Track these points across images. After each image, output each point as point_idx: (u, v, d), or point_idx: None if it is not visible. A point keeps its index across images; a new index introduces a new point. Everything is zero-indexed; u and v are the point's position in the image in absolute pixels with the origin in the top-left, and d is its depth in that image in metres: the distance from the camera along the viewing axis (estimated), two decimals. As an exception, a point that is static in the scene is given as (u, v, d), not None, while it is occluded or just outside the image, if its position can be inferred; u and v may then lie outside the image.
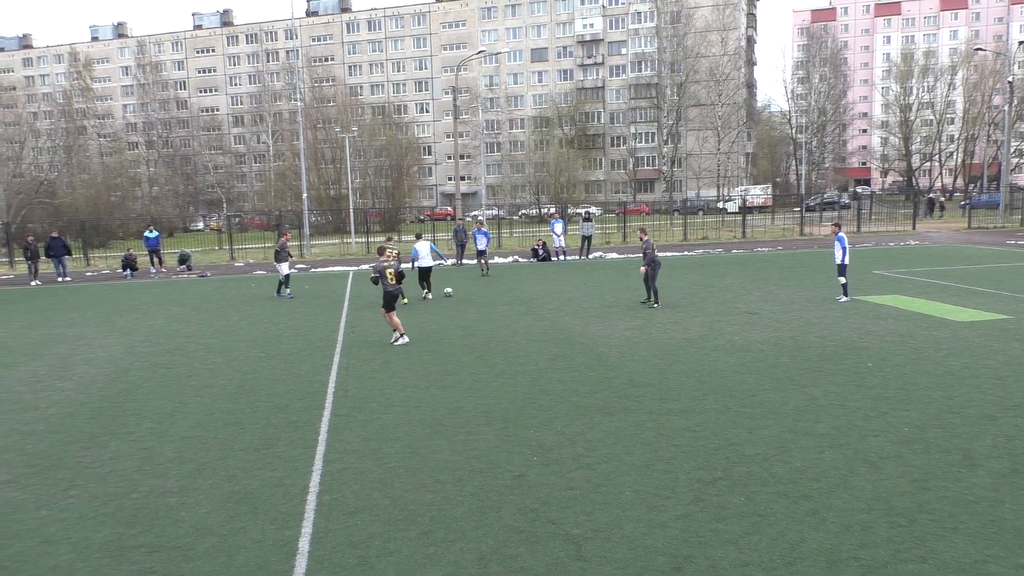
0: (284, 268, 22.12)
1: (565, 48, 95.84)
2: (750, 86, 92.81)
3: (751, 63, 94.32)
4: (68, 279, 30.26)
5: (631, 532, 6.12)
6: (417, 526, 6.34)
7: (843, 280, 17.48)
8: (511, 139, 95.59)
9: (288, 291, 22.08)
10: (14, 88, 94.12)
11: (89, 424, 9.67)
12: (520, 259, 32.48)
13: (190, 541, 6.24)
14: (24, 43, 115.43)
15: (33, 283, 29.44)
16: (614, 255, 33.13)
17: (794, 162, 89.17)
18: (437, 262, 23.88)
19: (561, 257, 31.64)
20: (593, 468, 7.51)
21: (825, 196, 68.64)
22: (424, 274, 20.60)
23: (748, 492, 6.82)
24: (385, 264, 14.37)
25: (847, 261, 17.39)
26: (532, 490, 7.02)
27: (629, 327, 15.08)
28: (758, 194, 69.27)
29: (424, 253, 20.48)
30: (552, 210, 50.46)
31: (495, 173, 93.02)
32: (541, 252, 31.51)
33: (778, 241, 37.73)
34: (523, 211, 66.22)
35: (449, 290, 20.96)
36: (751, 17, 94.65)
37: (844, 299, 17.41)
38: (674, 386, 10.46)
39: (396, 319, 14.38)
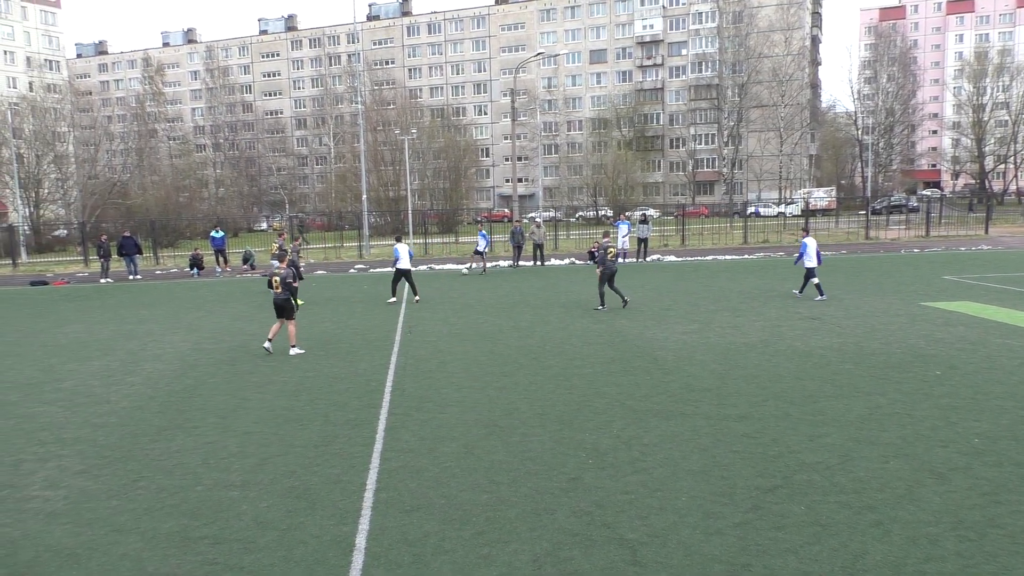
0: None
1: (624, 49, 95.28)
2: (814, 86, 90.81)
3: (816, 63, 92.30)
4: (139, 277, 31.31)
5: (687, 538, 6.05)
6: (472, 526, 6.37)
7: (815, 280, 18.60)
8: (569, 141, 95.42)
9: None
10: (90, 93, 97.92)
11: (157, 418, 9.98)
12: (577, 261, 32.38)
13: (251, 534, 6.39)
14: (100, 49, 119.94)
15: (103, 280, 30.55)
16: (672, 258, 32.78)
17: (860, 164, 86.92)
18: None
19: (620, 259, 31.43)
20: (649, 472, 7.44)
21: (892, 199, 66.72)
22: (400, 275, 20.53)
23: (809, 501, 6.66)
24: (275, 270, 14.02)
25: (813, 264, 18.63)
26: (587, 493, 6.99)
27: (687, 331, 14.90)
28: (822, 196, 67.70)
29: (403, 255, 20.59)
30: (611, 212, 50.16)
31: (552, 175, 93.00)
32: (598, 254, 31.28)
33: (842, 245, 36.82)
34: (580, 213, 66.02)
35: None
36: (816, 16, 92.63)
37: (821, 297, 18.38)
38: (733, 391, 10.29)
39: (277, 327, 13.98)
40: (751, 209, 58.56)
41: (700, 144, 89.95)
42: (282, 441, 8.82)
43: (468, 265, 28.58)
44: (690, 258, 32.28)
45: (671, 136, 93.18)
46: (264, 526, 6.52)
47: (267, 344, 13.84)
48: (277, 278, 13.76)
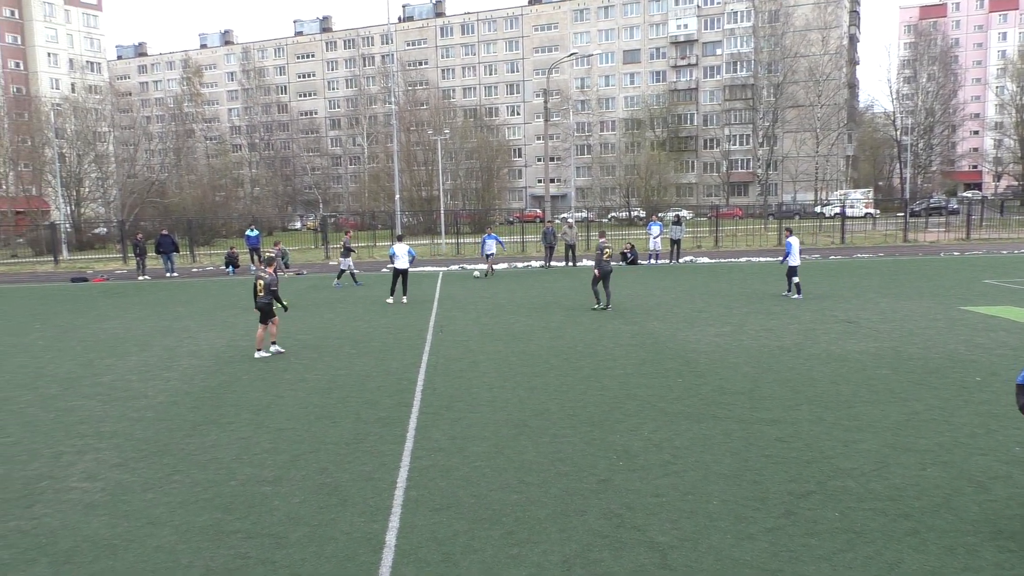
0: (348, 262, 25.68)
1: (658, 49, 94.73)
2: (852, 86, 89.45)
3: (853, 62, 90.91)
4: (175, 275, 31.83)
5: (718, 543, 5.99)
6: (501, 526, 6.37)
7: (796, 279, 19.44)
8: (602, 141, 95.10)
9: (338, 282, 25.47)
10: (130, 93, 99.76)
11: (192, 413, 10.13)
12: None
13: (283, 529, 6.46)
14: (140, 51, 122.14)
15: (141, 278, 31.07)
16: (705, 259, 32.52)
17: (898, 165, 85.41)
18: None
19: (652, 260, 31.30)
20: (680, 476, 7.39)
21: (932, 201, 65.49)
22: (398, 275, 20.72)
23: (843, 508, 6.56)
24: (260, 275, 13.98)
25: (796, 263, 19.52)
26: (617, 495, 6.96)
27: (719, 333, 14.77)
28: (858, 198, 66.66)
29: (401, 255, 20.70)
30: (643, 213, 49.89)
31: (585, 175, 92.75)
32: (630, 255, 31.22)
33: (879, 247, 36.24)
34: (612, 214, 65.78)
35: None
36: (854, 15, 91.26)
37: (798, 296, 19.22)
38: (766, 395, 10.18)
39: (261, 333, 13.92)
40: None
41: (734, 145, 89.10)
42: (314, 438, 8.90)
43: (483, 270, 28.25)
44: (723, 260, 32.00)
45: (705, 137, 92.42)
46: (296, 522, 6.59)
47: (259, 353, 13.72)
48: (262, 282, 13.78)
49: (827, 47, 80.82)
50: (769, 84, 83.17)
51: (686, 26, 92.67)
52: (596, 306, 18.28)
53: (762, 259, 31.90)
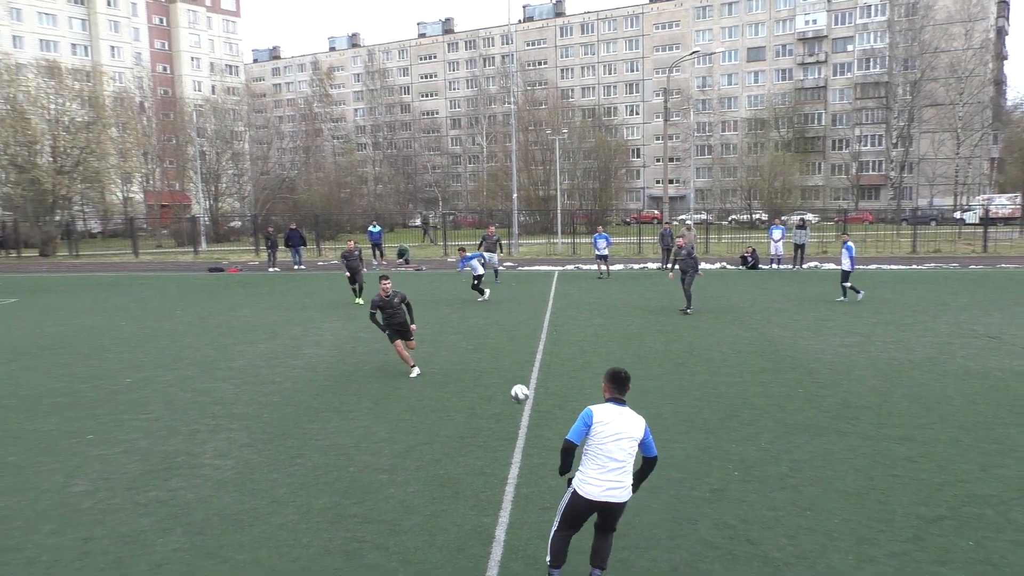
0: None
1: (784, 46, 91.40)
2: (999, 83, 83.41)
3: (1001, 57, 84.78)
4: (303, 267, 33.32)
5: (838, 563, 5.73)
6: (611, 529, 6.32)
7: (847, 284, 19.61)
8: (723, 142, 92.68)
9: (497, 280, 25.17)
10: (264, 95, 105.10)
11: (315, 400, 10.57)
12: (728, 265, 31.43)
13: (397, 517, 6.65)
14: (274, 55, 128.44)
15: (271, 270, 32.73)
16: (831, 266, 31.13)
17: (1050, 169, 79.07)
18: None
19: (774, 265, 30.30)
20: (798, 490, 7.11)
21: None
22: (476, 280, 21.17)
23: (978, 536, 6.14)
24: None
25: (852, 268, 19.73)
26: (731, 506, 6.77)
27: (845, 343, 14.12)
28: (1004, 204, 62.13)
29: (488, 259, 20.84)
30: (765, 216, 48.33)
31: (705, 176, 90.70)
32: (750, 259, 30.33)
33: (1026, 257, 33.67)
34: (733, 216, 64.03)
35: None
36: (1002, 6, 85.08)
37: (842, 299, 19.64)
38: (895, 411, 9.65)
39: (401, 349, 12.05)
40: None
41: (865, 146, 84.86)
42: (429, 430, 9.12)
43: (601, 270, 27.76)
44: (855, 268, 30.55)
45: (833, 137, 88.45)
46: (409, 510, 6.77)
47: (414, 371, 12.00)
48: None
49: (971, 41, 75.69)
50: (905, 81, 78.77)
51: (815, 21, 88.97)
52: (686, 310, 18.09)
53: (893, 267, 30.27)
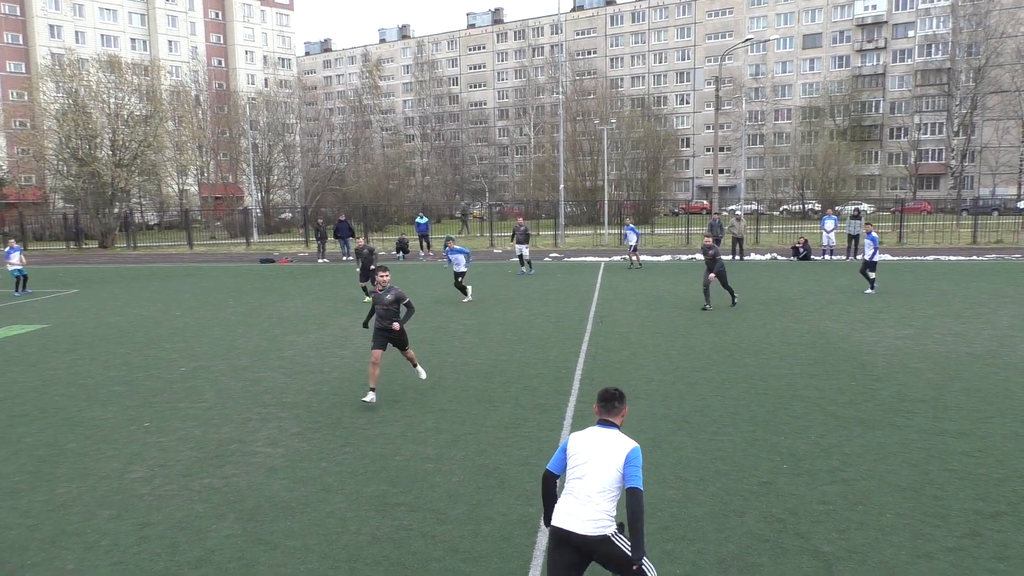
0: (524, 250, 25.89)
1: (842, 33, 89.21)
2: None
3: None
4: (351, 258, 33.73)
5: (891, 558, 5.61)
6: (657, 520, 6.28)
7: (872, 275, 19.35)
8: (775, 131, 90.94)
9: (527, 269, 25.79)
10: (315, 87, 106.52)
11: (362, 390, 10.68)
12: (779, 256, 30.90)
13: (443, 506, 6.70)
14: (325, 47, 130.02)
15: (320, 260, 33.23)
16: (887, 257, 30.38)
17: (1123, 156, 75.82)
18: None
19: (826, 256, 29.69)
20: (850, 484, 6.97)
21: None
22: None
23: (1039, 533, 5.95)
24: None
25: (875, 259, 19.46)
26: (780, 499, 6.67)
27: (900, 335, 13.76)
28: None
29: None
30: (819, 206, 47.35)
31: (756, 166, 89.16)
32: (802, 250, 29.76)
33: (1095, 248, 32.39)
34: (784, 206, 62.87)
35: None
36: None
37: (870, 291, 19.16)
38: (952, 405, 9.38)
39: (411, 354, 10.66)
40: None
41: (925, 134, 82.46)
42: (474, 420, 9.16)
43: (628, 261, 27.97)
44: (907, 258, 29.79)
45: (891, 125, 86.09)
46: (455, 499, 6.82)
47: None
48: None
49: (1039, 25, 72.90)
50: (968, 68, 76.30)
51: (874, 7, 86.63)
52: (705, 307, 17.28)
53: (952, 258, 29.40)
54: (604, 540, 4.20)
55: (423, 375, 10.73)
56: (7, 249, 24.46)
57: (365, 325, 10.77)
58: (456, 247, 20.04)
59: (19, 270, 23.73)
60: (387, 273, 10.21)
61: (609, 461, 4.27)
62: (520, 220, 27.42)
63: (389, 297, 9.96)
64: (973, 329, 14.28)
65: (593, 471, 4.27)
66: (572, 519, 4.21)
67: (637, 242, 27.74)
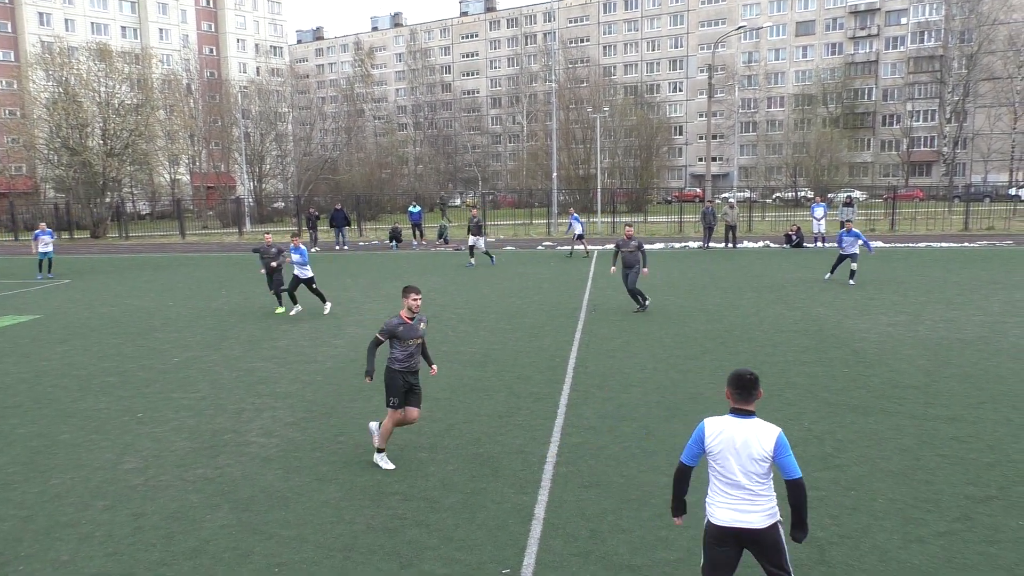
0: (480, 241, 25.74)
1: (835, 20, 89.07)
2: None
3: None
4: (346, 248, 33.66)
5: (883, 543, 5.65)
6: (650, 508, 6.31)
7: (854, 266, 19.14)
8: (768, 118, 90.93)
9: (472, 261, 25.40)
10: (307, 76, 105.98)
11: (357, 379, 10.69)
12: (772, 244, 30.95)
13: (437, 495, 6.72)
14: (317, 35, 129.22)
15: (313, 250, 33.12)
16: (879, 244, 30.46)
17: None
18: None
19: (818, 244, 29.76)
20: (843, 470, 7.01)
21: None
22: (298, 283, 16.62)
23: (1029, 518, 6.00)
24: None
25: (852, 251, 19.20)
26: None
27: (892, 322, 13.82)
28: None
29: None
30: (811, 194, 47.42)
31: (749, 154, 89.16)
32: (795, 238, 29.83)
33: (1086, 234, 32.54)
34: (777, 194, 62.96)
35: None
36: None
37: (852, 282, 18.87)
38: (943, 390, 9.44)
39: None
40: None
41: (917, 121, 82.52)
42: (468, 409, 9.18)
43: (570, 251, 28.38)
44: (899, 244, 29.87)
45: (884, 113, 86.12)
46: (449, 488, 6.84)
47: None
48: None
49: (1031, 11, 72.91)
50: (961, 55, 76.31)
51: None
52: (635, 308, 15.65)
53: (944, 244, 29.50)
54: (774, 528, 4.33)
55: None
56: (36, 232, 25.19)
57: (369, 375, 7.60)
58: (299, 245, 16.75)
59: (47, 253, 24.60)
60: (419, 296, 7.45)
61: (752, 451, 4.28)
62: (474, 212, 27.26)
63: (423, 327, 7.61)
64: (964, 315, 14.35)
65: (742, 460, 4.30)
66: (740, 515, 4.30)
67: (583, 231, 27.98)
